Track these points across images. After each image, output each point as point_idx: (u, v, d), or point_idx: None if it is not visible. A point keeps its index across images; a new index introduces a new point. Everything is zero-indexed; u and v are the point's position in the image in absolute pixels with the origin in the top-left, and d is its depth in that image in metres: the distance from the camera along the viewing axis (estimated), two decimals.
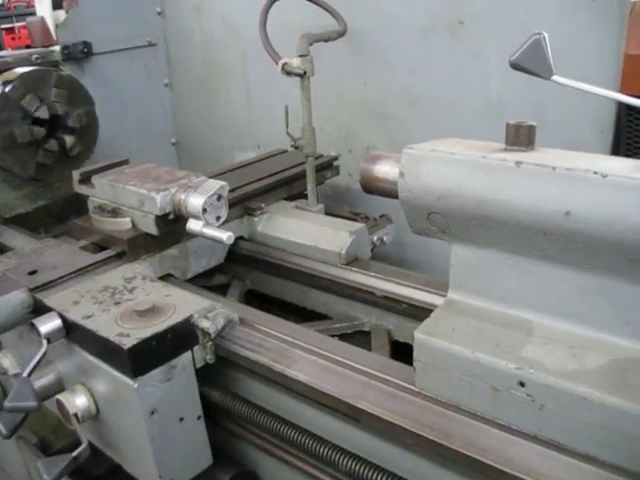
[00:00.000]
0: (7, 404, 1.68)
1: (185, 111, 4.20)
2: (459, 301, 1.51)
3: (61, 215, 3.29)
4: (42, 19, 4.01)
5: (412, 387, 1.50)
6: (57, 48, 3.50)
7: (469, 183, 1.37)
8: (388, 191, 1.60)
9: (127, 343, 1.63)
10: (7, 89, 2.95)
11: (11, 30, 15.80)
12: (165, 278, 2.25)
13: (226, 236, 1.98)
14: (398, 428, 1.44)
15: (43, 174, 3.19)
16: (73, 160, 3.23)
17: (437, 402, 1.45)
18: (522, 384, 1.30)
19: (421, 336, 1.44)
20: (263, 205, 2.67)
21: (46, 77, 3.13)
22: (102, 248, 2.29)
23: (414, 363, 1.48)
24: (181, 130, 4.29)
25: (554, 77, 1.38)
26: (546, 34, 1.35)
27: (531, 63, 1.37)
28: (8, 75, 3.03)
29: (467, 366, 1.37)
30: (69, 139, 3.19)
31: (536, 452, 1.29)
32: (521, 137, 1.38)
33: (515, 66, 1.39)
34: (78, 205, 2.70)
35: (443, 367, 1.41)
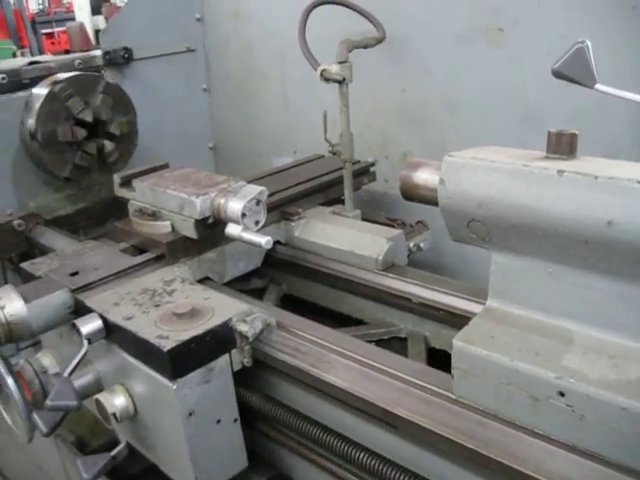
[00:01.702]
0: (49, 403, 1.72)
1: (223, 116, 4.23)
2: (498, 309, 1.51)
3: (100, 218, 3.35)
4: (81, 24, 4.11)
5: (450, 394, 1.50)
6: (99, 53, 3.56)
7: (510, 191, 1.37)
8: (428, 198, 1.60)
9: (167, 345, 1.65)
10: (56, 88, 3.03)
11: (51, 35, 16.19)
12: (203, 281, 2.28)
13: (265, 240, 1.99)
14: (435, 435, 1.43)
15: (78, 176, 3.23)
16: (108, 166, 3.28)
17: (475, 410, 1.45)
18: (562, 394, 1.29)
19: (460, 344, 1.44)
20: (300, 210, 2.69)
21: (94, 82, 3.20)
22: (142, 251, 2.32)
23: (452, 370, 1.47)
24: (219, 135, 4.32)
25: (597, 85, 1.37)
26: (589, 42, 1.35)
27: (574, 71, 1.37)
28: (58, 77, 3.12)
29: (506, 374, 1.37)
30: (108, 144, 3.23)
31: (575, 463, 1.28)
32: (563, 145, 1.37)
33: (557, 74, 1.38)
34: (117, 208, 2.75)
35: (482, 375, 1.41)
